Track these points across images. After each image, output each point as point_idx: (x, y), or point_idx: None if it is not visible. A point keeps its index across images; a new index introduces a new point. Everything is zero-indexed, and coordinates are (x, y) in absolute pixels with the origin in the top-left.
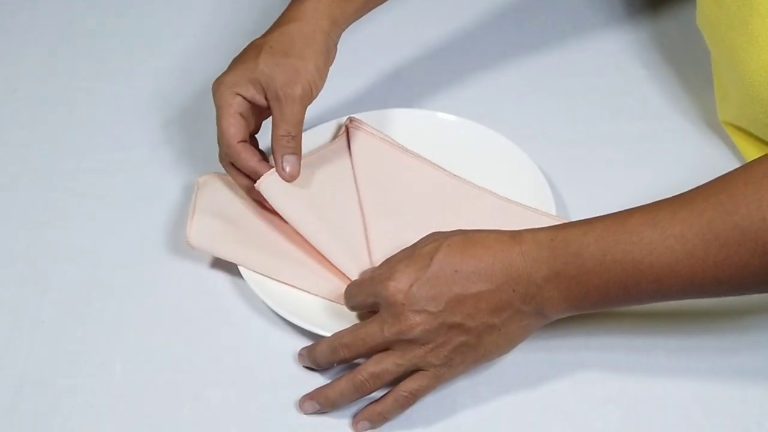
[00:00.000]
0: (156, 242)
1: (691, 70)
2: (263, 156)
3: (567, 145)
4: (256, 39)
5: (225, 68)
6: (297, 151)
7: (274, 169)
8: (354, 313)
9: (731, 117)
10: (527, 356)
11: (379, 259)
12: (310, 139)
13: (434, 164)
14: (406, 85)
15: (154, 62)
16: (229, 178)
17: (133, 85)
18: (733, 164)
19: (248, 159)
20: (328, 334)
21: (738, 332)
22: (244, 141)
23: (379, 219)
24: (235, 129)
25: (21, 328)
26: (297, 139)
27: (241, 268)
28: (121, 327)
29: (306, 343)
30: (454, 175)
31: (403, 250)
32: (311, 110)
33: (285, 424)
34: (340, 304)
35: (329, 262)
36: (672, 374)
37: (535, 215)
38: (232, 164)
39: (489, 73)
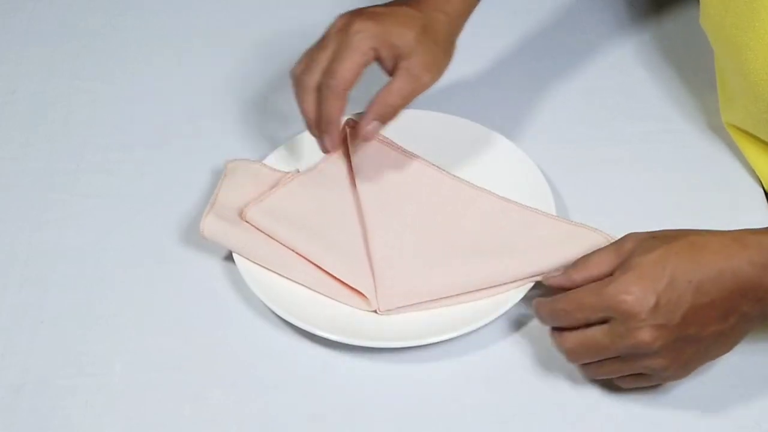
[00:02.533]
0: (156, 242)
1: (693, 71)
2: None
3: (567, 145)
4: (408, 6)
5: (225, 68)
6: (386, 121)
7: (259, 198)
8: (364, 322)
9: (735, 119)
10: (527, 356)
11: (379, 259)
12: (309, 140)
13: (433, 164)
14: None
15: (154, 62)
16: (256, 167)
17: (133, 85)
18: (735, 166)
19: (338, 108)
20: (329, 335)
21: None
22: (347, 92)
23: (378, 221)
24: (352, 77)
25: (21, 328)
26: (395, 114)
27: (241, 269)
28: (121, 327)
29: (305, 343)
30: (453, 176)
31: (606, 256)
32: None
33: (285, 424)
34: (355, 307)
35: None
36: None
37: (534, 215)
38: (307, 97)
39: (489, 73)
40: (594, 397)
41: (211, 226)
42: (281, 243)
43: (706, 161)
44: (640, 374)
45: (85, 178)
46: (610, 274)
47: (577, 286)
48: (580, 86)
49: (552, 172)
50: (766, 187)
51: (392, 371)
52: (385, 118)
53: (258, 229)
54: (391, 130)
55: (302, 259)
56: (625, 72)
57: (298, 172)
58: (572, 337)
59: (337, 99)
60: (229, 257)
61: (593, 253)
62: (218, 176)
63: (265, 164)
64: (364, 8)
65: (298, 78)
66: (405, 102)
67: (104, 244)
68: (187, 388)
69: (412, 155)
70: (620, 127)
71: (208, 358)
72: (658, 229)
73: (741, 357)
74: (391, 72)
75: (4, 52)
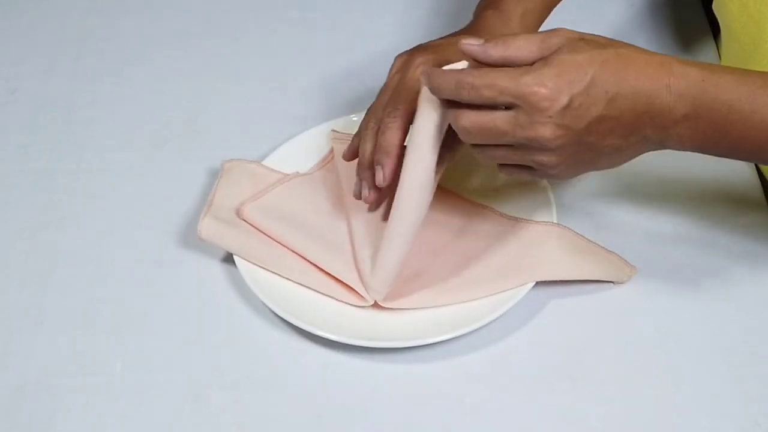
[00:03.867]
0: (156, 242)
1: None
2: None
3: None
4: (462, 32)
5: (224, 68)
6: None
7: (256, 196)
8: (364, 322)
9: None
10: (527, 356)
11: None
12: (309, 140)
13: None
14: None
15: (154, 62)
16: (253, 167)
17: (133, 85)
18: (735, 166)
19: (397, 138)
20: (329, 335)
21: (737, 332)
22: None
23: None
24: (414, 109)
25: (21, 328)
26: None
27: (241, 269)
28: (121, 327)
29: (305, 343)
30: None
31: (531, 41)
32: (310, 110)
33: (285, 424)
34: (353, 304)
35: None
36: (671, 374)
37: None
38: (367, 137)
39: None
40: (593, 397)
41: (208, 228)
42: (277, 241)
43: (706, 161)
44: (525, 167)
45: (85, 178)
46: (529, 62)
47: (491, 62)
48: None
49: None
50: None
51: (392, 371)
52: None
53: (254, 226)
54: None
55: (300, 259)
56: None
57: (298, 173)
58: (472, 116)
59: (398, 130)
60: (229, 257)
61: (518, 35)
62: (218, 176)
63: (261, 164)
64: (421, 44)
65: (363, 122)
66: None
67: (104, 244)
68: (187, 388)
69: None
70: None
71: (208, 358)
72: (588, 33)
73: (741, 357)
74: None
75: (4, 52)
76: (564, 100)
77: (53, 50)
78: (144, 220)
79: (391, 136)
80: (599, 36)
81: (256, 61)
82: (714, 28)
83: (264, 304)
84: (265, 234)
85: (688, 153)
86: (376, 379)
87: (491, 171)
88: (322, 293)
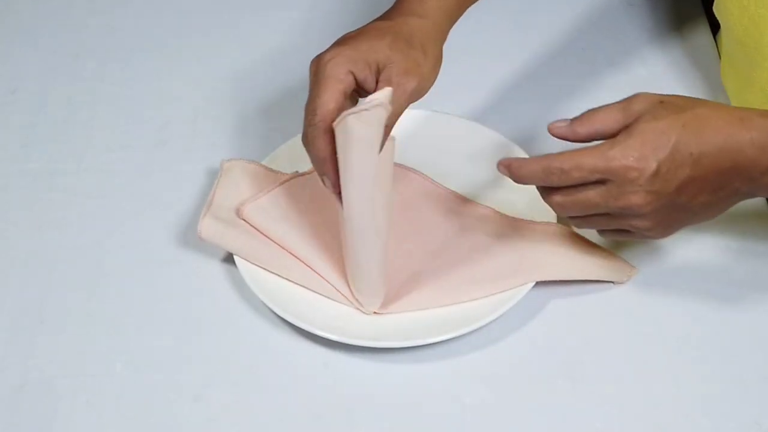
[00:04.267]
0: (156, 242)
1: (693, 71)
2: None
3: (567, 145)
4: (377, 21)
5: (224, 68)
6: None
7: (256, 196)
8: (364, 322)
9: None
10: (527, 356)
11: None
12: None
13: (428, 177)
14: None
15: (154, 62)
16: (253, 167)
17: (133, 85)
18: None
19: (325, 144)
20: (329, 335)
21: (737, 332)
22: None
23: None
24: (335, 106)
25: (21, 328)
26: (389, 128)
27: (241, 269)
28: (121, 327)
29: (305, 343)
30: (448, 189)
31: (613, 113)
32: None
33: (285, 424)
34: (352, 306)
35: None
36: (671, 374)
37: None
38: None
39: (489, 73)
40: (594, 397)
41: (208, 228)
42: (277, 242)
43: None
44: (624, 232)
45: (85, 178)
46: (615, 132)
47: (581, 139)
48: (581, 86)
49: None
50: None
51: (392, 371)
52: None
53: (254, 227)
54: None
55: (299, 260)
56: (625, 71)
57: (297, 173)
58: (564, 195)
59: (323, 135)
60: (229, 257)
61: (600, 108)
62: (218, 176)
63: (261, 164)
64: (339, 38)
65: (302, 140)
66: (394, 114)
67: (104, 244)
68: (187, 388)
69: (408, 169)
70: None
71: (208, 358)
72: (667, 94)
73: (741, 357)
74: (376, 89)
75: (4, 52)
76: (651, 167)
77: (53, 50)
78: (144, 220)
79: (320, 145)
80: (678, 96)
81: (256, 61)
82: (714, 28)
83: (264, 304)
84: (264, 235)
85: None
86: (376, 379)
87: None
88: (322, 295)
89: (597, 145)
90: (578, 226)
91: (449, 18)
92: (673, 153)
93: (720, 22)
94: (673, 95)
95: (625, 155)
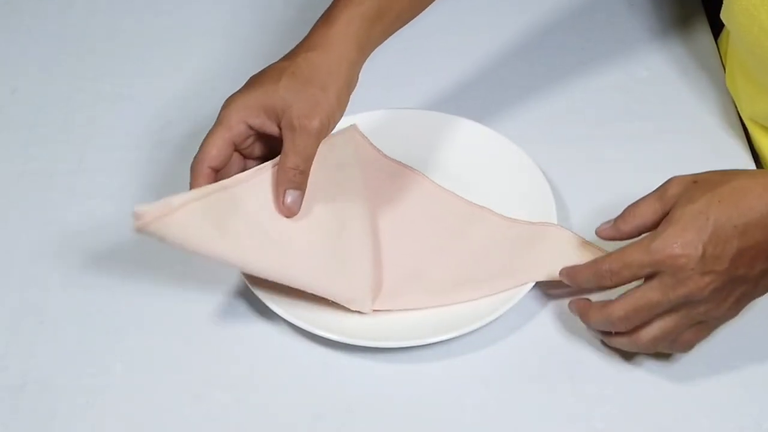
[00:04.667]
0: (156, 242)
1: (694, 71)
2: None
3: (567, 145)
4: (278, 61)
5: (223, 67)
6: (302, 187)
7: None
8: (364, 322)
9: (762, 111)
10: (527, 356)
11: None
12: None
13: (427, 177)
14: (406, 85)
15: (154, 62)
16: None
17: (133, 85)
18: (738, 164)
19: (201, 184)
20: (329, 335)
21: (737, 332)
22: (213, 168)
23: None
24: (216, 153)
25: (21, 328)
26: (305, 174)
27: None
28: (121, 327)
29: (305, 343)
30: (446, 190)
31: (651, 203)
32: None
33: (285, 424)
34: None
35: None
36: (671, 374)
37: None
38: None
39: (489, 73)
40: (594, 397)
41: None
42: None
43: (707, 161)
44: (699, 325)
45: (85, 178)
46: (656, 222)
47: (627, 237)
48: (580, 86)
49: (552, 172)
50: None
51: (392, 371)
52: (297, 183)
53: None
54: (390, 130)
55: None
56: (624, 71)
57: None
58: (623, 304)
59: (198, 177)
60: None
61: (638, 201)
62: None
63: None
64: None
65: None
66: (306, 158)
67: (104, 244)
68: (187, 388)
69: (393, 162)
70: (620, 126)
71: (208, 358)
72: (700, 172)
73: (741, 356)
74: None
75: (4, 52)
76: (699, 251)
77: (53, 50)
78: None
79: (195, 185)
80: (713, 172)
81: (256, 61)
82: (714, 28)
83: (264, 304)
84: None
85: (687, 156)
86: (376, 379)
87: None
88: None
89: (641, 240)
90: (651, 344)
91: (358, 45)
92: (716, 231)
93: (729, 28)
94: (706, 172)
95: (668, 245)
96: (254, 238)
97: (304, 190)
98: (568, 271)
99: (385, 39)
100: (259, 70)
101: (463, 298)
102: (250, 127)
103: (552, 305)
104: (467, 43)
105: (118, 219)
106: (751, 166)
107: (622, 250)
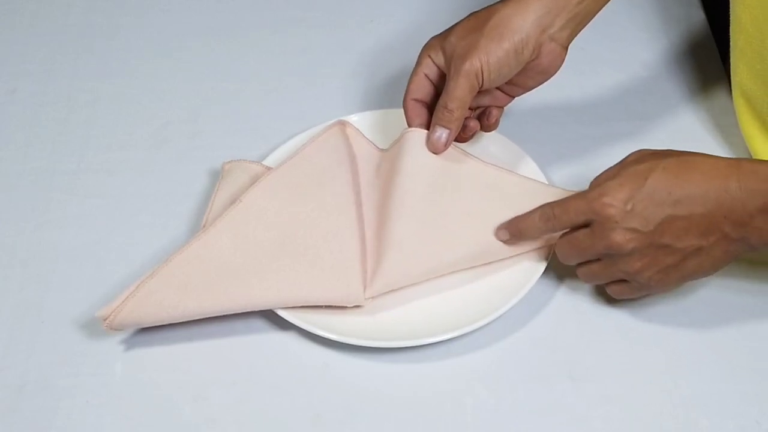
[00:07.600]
0: (156, 242)
1: (693, 70)
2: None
3: (567, 145)
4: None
5: (224, 68)
6: (449, 125)
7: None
8: (364, 322)
9: (754, 85)
10: (527, 356)
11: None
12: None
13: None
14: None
15: (154, 62)
16: (255, 167)
17: (133, 85)
18: None
19: (412, 119)
20: (329, 335)
21: (737, 333)
22: (416, 100)
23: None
24: (414, 86)
25: (21, 328)
26: (454, 113)
27: None
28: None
29: (304, 343)
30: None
31: (609, 169)
32: (310, 110)
33: (285, 424)
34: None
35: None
36: (671, 374)
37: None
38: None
39: None
40: (594, 397)
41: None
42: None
43: None
44: (624, 282)
45: (86, 178)
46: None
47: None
48: (580, 85)
49: (552, 171)
50: None
51: (392, 371)
52: (445, 121)
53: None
54: (391, 130)
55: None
56: (624, 71)
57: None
58: (562, 239)
59: (407, 112)
60: None
61: (611, 167)
62: (218, 176)
63: (263, 164)
64: (440, 35)
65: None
66: (454, 97)
67: (104, 244)
68: (187, 388)
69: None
70: (620, 126)
71: (208, 358)
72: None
73: (741, 356)
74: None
75: (4, 52)
76: (627, 206)
77: (53, 50)
78: (144, 220)
79: (407, 115)
80: (674, 150)
81: (256, 61)
82: (714, 28)
83: None
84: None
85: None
86: (376, 379)
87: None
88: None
89: (584, 190)
90: (585, 280)
91: (549, 10)
92: (650, 193)
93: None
94: (670, 149)
95: (601, 194)
96: (226, 279)
97: (452, 129)
98: (522, 215)
99: (592, 15)
100: (259, 70)
101: (450, 269)
102: (433, 62)
103: (552, 305)
104: None
105: (117, 219)
106: None
107: (566, 198)
